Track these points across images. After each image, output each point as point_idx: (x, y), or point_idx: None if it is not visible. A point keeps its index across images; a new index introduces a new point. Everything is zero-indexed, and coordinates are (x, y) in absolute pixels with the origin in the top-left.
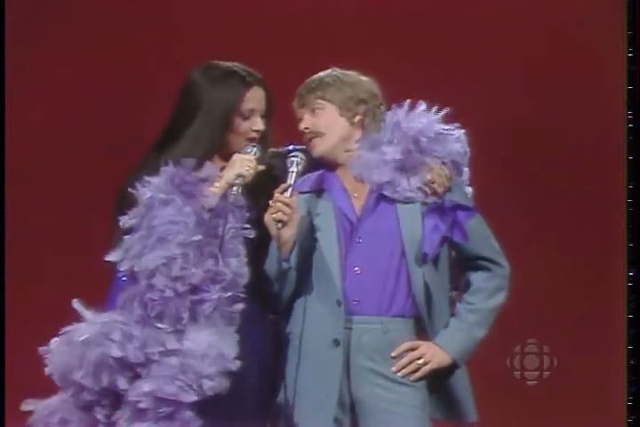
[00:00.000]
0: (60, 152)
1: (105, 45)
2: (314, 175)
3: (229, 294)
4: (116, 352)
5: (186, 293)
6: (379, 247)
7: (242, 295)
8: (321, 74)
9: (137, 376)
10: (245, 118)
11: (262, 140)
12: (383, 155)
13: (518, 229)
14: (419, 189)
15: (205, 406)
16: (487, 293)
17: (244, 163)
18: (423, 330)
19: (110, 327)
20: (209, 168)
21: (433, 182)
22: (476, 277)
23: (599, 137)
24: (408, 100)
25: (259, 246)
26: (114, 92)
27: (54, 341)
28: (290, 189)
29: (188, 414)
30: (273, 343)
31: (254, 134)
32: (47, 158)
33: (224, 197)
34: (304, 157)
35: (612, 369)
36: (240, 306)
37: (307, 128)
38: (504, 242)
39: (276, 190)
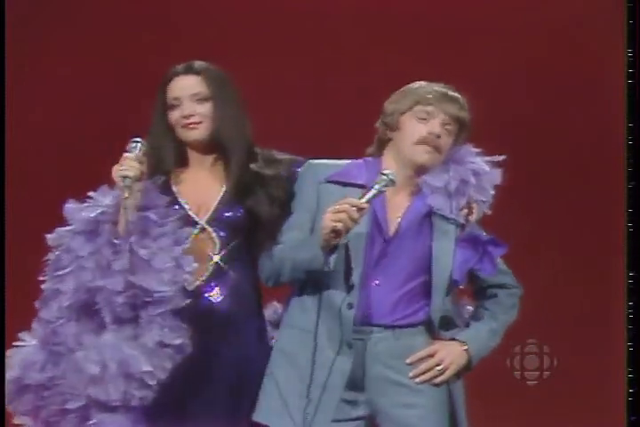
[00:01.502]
0: (60, 152)
1: (105, 45)
2: (356, 165)
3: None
4: (11, 374)
5: (80, 318)
6: (404, 265)
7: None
8: (453, 91)
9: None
10: (173, 109)
11: (224, 122)
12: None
13: (518, 229)
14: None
15: (202, 410)
16: (506, 307)
17: (122, 163)
18: (433, 332)
19: (15, 351)
20: (108, 196)
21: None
22: (499, 292)
23: (599, 137)
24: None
25: (251, 246)
26: (114, 92)
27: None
28: (364, 207)
29: (95, 415)
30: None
31: (186, 120)
32: (47, 158)
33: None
34: (395, 179)
35: (611, 369)
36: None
37: (438, 136)
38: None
39: (349, 201)
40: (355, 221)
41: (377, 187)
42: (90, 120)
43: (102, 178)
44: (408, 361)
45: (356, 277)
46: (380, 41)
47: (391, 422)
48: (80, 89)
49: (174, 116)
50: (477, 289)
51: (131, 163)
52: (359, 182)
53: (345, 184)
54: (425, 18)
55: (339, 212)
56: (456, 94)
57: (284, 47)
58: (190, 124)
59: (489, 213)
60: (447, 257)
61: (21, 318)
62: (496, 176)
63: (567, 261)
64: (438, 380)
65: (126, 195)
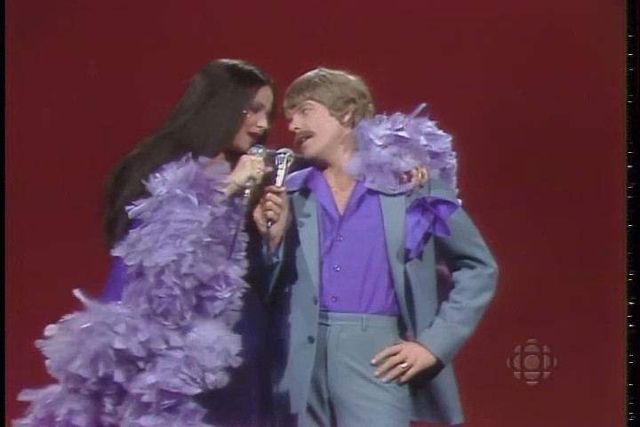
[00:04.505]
0: (60, 152)
1: (105, 46)
2: (300, 174)
3: (238, 293)
4: (119, 344)
5: (192, 290)
6: (360, 245)
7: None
8: (309, 74)
9: (136, 370)
10: (254, 112)
11: (263, 140)
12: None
13: (518, 229)
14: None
15: (205, 402)
16: (473, 292)
17: (255, 165)
18: (405, 328)
19: (115, 319)
20: (220, 168)
21: (410, 175)
22: (462, 276)
23: (599, 137)
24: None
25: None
26: (114, 92)
27: (50, 328)
28: (280, 191)
29: (191, 405)
30: (266, 339)
31: (257, 130)
32: (47, 158)
33: (232, 198)
34: (292, 154)
35: (611, 369)
36: (240, 304)
37: (297, 128)
38: (504, 242)
39: (267, 188)
40: (279, 206)
41: (279, 167)
42: (90, 120)
43: (102, 178)
44: (373, 361)
45: (312, 265)
46: (378, 41)
47: (349, 413)
48: (80, 89)
49: (251, 119)
50: (449, 262)
51: (259, 165)
52: (300, 188)
53: (289, 192)
54: (424, 18)
55: (264, 201)
56: (309, 78)
57: (284, 47)
58: (257, 134)
59: (447, 166)
60: (398, 226)
61: (21, 319)
62: (422, 127)
63: (567, 260)
64: (403, 378)
65: (247, 194)
